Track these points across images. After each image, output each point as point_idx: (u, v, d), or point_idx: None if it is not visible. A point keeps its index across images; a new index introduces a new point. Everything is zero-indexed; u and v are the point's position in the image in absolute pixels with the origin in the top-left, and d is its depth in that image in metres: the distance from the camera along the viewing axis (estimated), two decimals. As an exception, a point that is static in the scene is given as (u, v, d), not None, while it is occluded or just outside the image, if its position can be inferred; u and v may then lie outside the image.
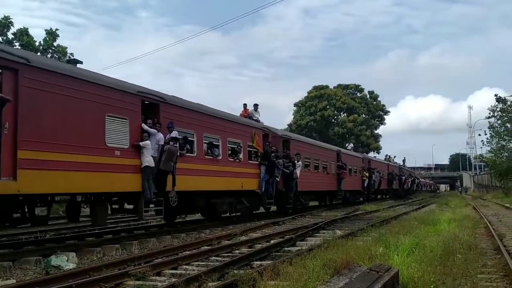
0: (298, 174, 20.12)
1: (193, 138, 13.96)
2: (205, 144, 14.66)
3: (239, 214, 17.56)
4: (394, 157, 53.32)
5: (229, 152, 16.04)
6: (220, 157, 15.18)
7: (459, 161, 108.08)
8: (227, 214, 16.79)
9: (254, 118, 19.52)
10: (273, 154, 18.30)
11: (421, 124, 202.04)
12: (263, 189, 17.63)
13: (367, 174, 33.79)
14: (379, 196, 40.32)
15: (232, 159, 16.06)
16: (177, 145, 12.45)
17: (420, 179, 69.53)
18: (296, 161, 20.36)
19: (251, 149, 17.39)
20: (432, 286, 5.73)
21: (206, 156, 14.57)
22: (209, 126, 14.82)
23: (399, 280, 5.87)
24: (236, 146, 16.38)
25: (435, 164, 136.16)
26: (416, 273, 6.28)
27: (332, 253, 7.61)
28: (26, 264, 8.49)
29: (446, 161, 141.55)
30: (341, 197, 28.28)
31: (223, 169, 15.26)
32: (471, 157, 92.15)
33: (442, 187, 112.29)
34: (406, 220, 15.03)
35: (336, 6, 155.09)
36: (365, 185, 33.48)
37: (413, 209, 23.92)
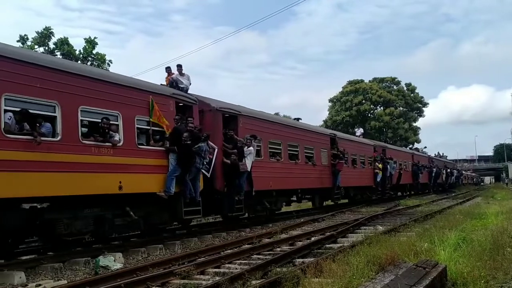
0: (249, 166, 13.86)
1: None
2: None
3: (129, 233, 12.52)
4: (425, 147, 50.07)
5: (84, 130, 9.78)
6: (59, 138, 8.77)
7: (503, 152, 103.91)
8: (87, 236, 11.11)
9: (180, 86, 13.10)
10: (204, 136, 12.09)
11: (464, 115, 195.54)
12: (173, 190, 11.04)
13: (380, 166, 26.56)
14: (399, 193, 33.35)
15: (90, 142, 9.43)
16: None
17: (462, 171, 65.38)
18: (245, 147, 13.79)
19: (154, 128, 11.16)
20: (482, 281, 5.54)
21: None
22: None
23: (447, 275, 5.72)
24: (104, 121, 9.74)
25: (479, 156, 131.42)
26: (465, 268, 6.09)
27: (375, 249, 7.49)
28: (76, 265, 8.80)
29: (490, 152, 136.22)
30: (339, 196, 21.95)
31: (60, 159, 8.69)
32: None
33: (487, 179, 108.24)
34: (451, 214, 14.60)
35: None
36: (378, 179, 26.41)
37: (457, 202, 23.21)
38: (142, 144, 10.77)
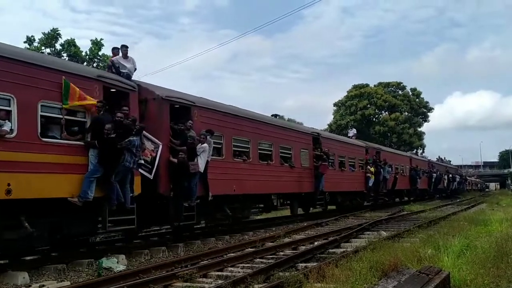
0: (202, 166, 11.61)
1: None
2: None
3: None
4: (422, 152, 48.13)
5: None
6: None
7: (509, 158, 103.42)
8: None
9: (122, 70, 10.96)
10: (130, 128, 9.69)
11: (470, 120, 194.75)
12: (91, 195, 8.83)
13: (372, 169, 24.35)
14: (397, 199, 31.96)
15: None
16: None
17: (466, 177, 64.60)
18: (200, 143, 11.64)
19: (69, 117, 9.00)
20: (486, 289, 5.52)
21: None
22: None
23: (450, 282, 5.70)
24: None
25: (484, 162, 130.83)
26: (468, 275, 6.07)
27: (378, 255, 7.48)
28: (79, 266, 8.83)
29: (495, 159, 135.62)
30: (323, 202, 20.26)
31: None
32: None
33: (492, 185, 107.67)
34: (455, 221, 14.53)
35: (375, 2, 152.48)
36: (370, 184, 24.22)
37: (462, 209, 23.05)
38: (51, 137, 8.57)
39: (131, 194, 9.75)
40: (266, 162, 15.49)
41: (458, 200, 35.84)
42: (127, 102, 10.22)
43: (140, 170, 10.16)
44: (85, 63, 29.01)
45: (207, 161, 11.91)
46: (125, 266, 8.92)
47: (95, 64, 29.91)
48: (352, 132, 36.73)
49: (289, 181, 16.95)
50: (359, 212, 21.48)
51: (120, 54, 11.43)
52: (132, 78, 11.26)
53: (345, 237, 11.83)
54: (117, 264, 8.82)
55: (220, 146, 13.25)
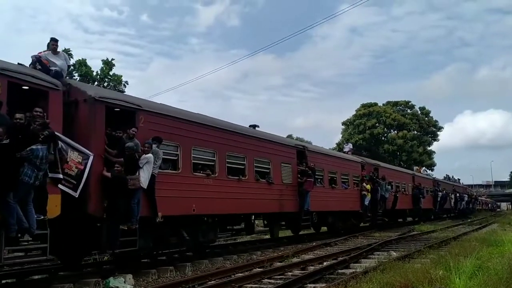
0: (144, 181, 9.72)
1: None
2: None
3: None
4: (424, 169, 43.82)
5: None
6: None
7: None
8: None
9: (52, 68, 9.18)
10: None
11: (480, 139, 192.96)
12: None
13: (368, 187, 22.05)
14: (400, 220, 30.44)
15: None
16: None
17: (477, 196, 63.15)
18: (144, 153, 9.86)
19: None
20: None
21: None
22: None
23: (463, 305, 5.58)
24: None
25: (495, 181, 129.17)
26: (481, 297, 5.94)
27: (389, 276, 7.37)
28: (86, 286, 8.77)
29: (506, 178, 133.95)
30: (309, 223, 18.11)
31: None
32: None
33: (503, 205, 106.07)
34: (466, 241, 14.31)
35: (384, 23, 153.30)
36: (366, 203, 21.84)
37: (473, 229, 22.74)
38: None
39: (43, 217, 7.73)
40: (237, 178, 13.46)
41: (469, 220, 35.33)
42: (45, 103, 8.40)
43: (60, 186, 8.31)
44: (95, 83, 29.45)
45: (153, 175, 10.03)
46: (132, 286, 8.86)
47: (105, 84, 30.38)
48: (348, 147, 32.74)
49: (267, 199, 14.79)
50: (368, 232, 21.23)
51: (48, 49, 9.60)
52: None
53: (355, 257, 11.67)
54: (124, 283, 8.77)
55: (175, 158, 11.29)
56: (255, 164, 14.43)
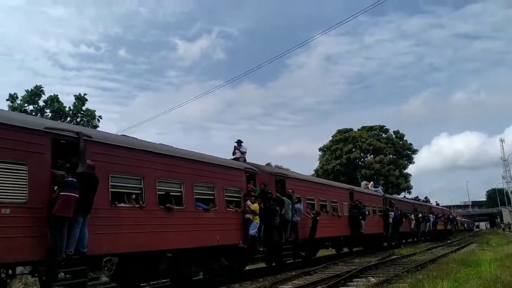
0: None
1: None
2: None
3: None
4: (375, 185, 35.16)
5: None
6: None
7: (496, 197, 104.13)
8: None
9: None
10: None
11: (457, 161, 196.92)
12: None
13: (254, 207, 14.07)
14: (355, 249, 25.53)
15: None
16: None
17: (454, 216, 61.87)
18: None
19: None
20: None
21: None
22: None
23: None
24: None
25: (472, 201, 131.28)
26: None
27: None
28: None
29: (483, 198, 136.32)
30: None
31: None
32: (509, 191, 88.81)
33: (482, 224, 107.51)
34: (445, 263, 14.32)
35: (357, 51, 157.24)
36: (252, 231, 14.01)
37: (452, 250, 22.86)
38: None
39: None
40: (180, 207, 11.51)
41: (448, 241, 35.58)
42: None
43: None
44: (68, 118, 29.05)
45: None
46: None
47: (78, 119, 29.98)
48: None
49: (209, 229, 12.51)
50: (349, 258, 21.06)
51: None
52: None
53: (333, 285, 11.49)
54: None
55: None
56: (195, 191, 12.22)
